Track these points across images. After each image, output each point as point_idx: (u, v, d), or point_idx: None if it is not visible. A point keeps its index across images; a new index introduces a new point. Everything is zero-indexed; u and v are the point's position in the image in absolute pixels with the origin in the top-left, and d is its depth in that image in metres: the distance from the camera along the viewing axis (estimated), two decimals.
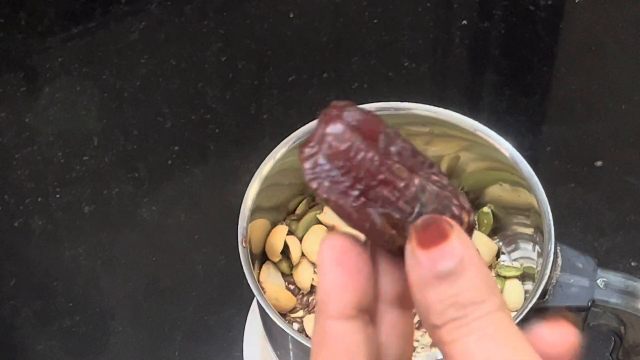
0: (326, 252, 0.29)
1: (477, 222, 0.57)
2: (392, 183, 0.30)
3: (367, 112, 0.30)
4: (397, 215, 0.29)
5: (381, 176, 0.30)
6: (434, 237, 0.28)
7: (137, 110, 0.78)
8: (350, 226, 0.30)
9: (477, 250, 0.28)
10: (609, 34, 0.83)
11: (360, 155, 0.30)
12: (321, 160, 0.30)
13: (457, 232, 0.28)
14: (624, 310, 0.49)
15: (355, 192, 0.29)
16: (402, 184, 0.30)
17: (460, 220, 0.30)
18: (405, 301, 0.30)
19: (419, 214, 0.29)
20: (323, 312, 0.29)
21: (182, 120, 0.77)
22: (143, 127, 0.77)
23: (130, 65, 0.81)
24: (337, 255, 0.29)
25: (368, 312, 0.29)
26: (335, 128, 0.30)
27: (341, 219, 0.30)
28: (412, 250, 0.28)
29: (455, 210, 0.30)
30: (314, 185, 0.30)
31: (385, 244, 0.30)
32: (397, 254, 0.30)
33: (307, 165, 0.30)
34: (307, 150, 0.30)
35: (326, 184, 0.30)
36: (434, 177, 0.30)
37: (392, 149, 0.30)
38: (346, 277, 0.29)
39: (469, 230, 0.30)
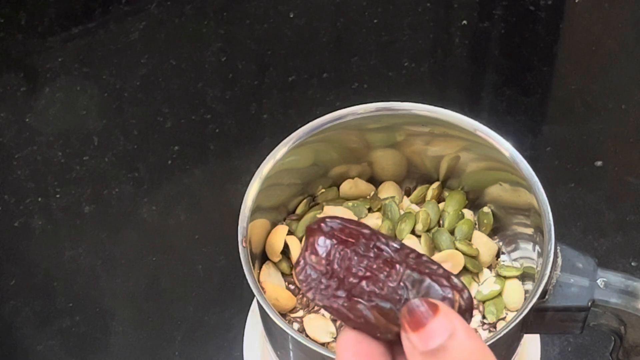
0: (342, 345, 0.31)
1: (477, 222, 0.57)
2: (373, 276, 0.32)
3: (348, 220, 0.33)
4: (386, 305, 0.31)
5: (361, 272, 0.32)
6: (420, 318, 0.30)
7: (137, 110, 0.78)
8: (351, 327, 0.32)
9: (467, 324, 0.30)
10: (609, 34, 0.83)
11: (338, 257, 0.32)
12: (309, 270, 0.33)
13: (443, 310, 0.30)
14: (624, 310, 0.49)
15: (342, 293, 0.32)
16: (382, 275, 0.32)
17: (450, 301, 0.31)
18: None
19: (406, 300, 0.31)
20: None
21: (182, 120, 0.77)
22: (143, 127, 0.77)
23: (130, 65, 0.81)
24: (353, 347, 0.32)
25: None
26: (315, 239, 0.33)
27: (342, 321, 0.32)
28: (406, 335, 0.30)
29: (446, 292, 0.31)
30: (310, 296, 0.33)
31: (384, 335, 0.32)
32: (399, 343, 0.31)
33: (301, 278, 0.33)
34: (298, 265, 0.33)
35: (319, 292, 0.32)
36: (422, 265, 0.32)
37: (373, 247, 0.33)
38: None
39: (465, 307, 0.32)
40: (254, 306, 0.61)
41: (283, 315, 0.53)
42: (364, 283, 0.32)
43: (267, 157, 0.52)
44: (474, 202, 0.57)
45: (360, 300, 0.32)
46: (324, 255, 0.33)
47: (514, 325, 0.46)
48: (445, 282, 0.31)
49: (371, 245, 0.33)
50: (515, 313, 0.49)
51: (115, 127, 0.77)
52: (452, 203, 0.56)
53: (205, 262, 0.69)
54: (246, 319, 0.62)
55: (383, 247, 0.32)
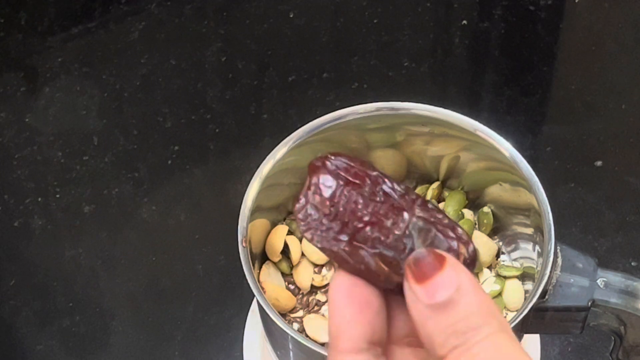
0: (335, 287, 0.30)
1: (477, 222, 0.57)
2: (379, 223, 0.30)
3: (353, 158, 0.31)
4: (389, 254, 0.30)
5: (367, 217, 0.31)
6: (427, 270, 0.29)
7: (137, 110, 0.78)
8: (348, 271, 0.30)
9: (474, 277, 0.29)
10: (609, 34, 0.83)
11: (344, 200, 0.31)
12: (310, 210, 0.31)
13: (450, 263, 0.29)
14: (624, 310, 0.49)
15: (345, 237, 0.31)
16: (389, 222, 0.30)
17: (456, 252, 0.30)
18: (416, 339, 0.30)
19: (412, 250, 0.30)
20: (334, 347, 0.30)
21: (182, 120, 0.77)
22: (143, 127, 0.77)
23: (130, 65, 0.81)
24: (346, 290, 0.30)
25: (380, 345, 0.30)
26: (319, 177, 0.31)
27: (339, 265, 0.31)
28: (409, 286, 0.29)
29: (451, 243, 0.30)
30: (308, 236, 0.31)
31: (385, 284, 0.30)
32: (399, 293, 0.30)
33: (300, 216, 0.31)
34: (298, 203, 0.31)
35: (318, 233, 0.31)
36: (427, 213, 0.31)
37: (379, 190, 0.31)
38: (355, 311, 0.30)
39: (470, 259, 0.30)
40: (254, 306, 0.61)
41: (283, 315, 0.53)
42: (368, 228, 0.30)
43: (267, 157, 0.52)
44: (474, 202, 0.57)
45: (362, 246, 0.30)
46: (328, 195, 0.31)
47: (514, 325, 0.46)
48: (450, 233, 0.30)
49: (377, 189, 0.31)
50: (515, 313, 0.49)
51: (115, 127, 0.77)
52: (452, 203, 0.56)
53: (205, 262, 0.69)
54: (246, 319, 0.62)
55: (389, 191, 0.31)
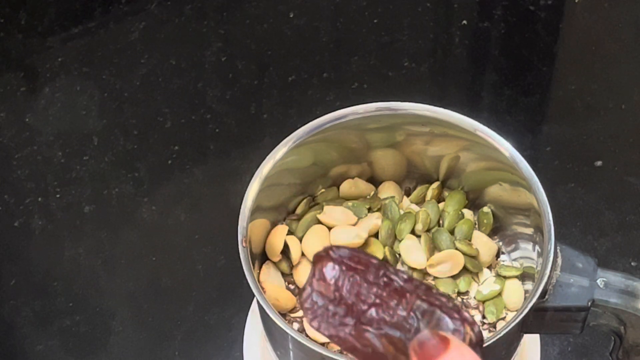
0: None
1: (477, 222, 0.57)
2: (383, 304, 0.31)
3: (355, 249, 0.32)
4: (395, 334, 0.31)
5: (371, 299, 0.31)
6: (431, 352, 0.29)
7: (137, 110, 0.78)
8: (358, 356, 0.31)
9: (480, 358, 0.29)
10: (609, 34, 0.83)
11: (348, 284, 0.32)
12: (315, 298, 0.32)
13: (455, 345, 0.29)
14: (624, 310, 0.49)
15: (351, 320, 0.31)
16: (393, 303, 0.31)
17: (460, 334, 0.30)
18: None
19: (417, 330, 0.30)
20: None
21: (182, 120, 0.77)
22: (143, 127, 0.77)
23: (130, 65, 0.81)
24: None
25: None
26: (323, 265, 0.32)
27: (348, 352, 0.31)
28: None
29: (456, 324, 0.31)
30: (314, 325, 0.32)
31: None
32: None
33: (306, 306, 0.32)
34: (304, 293, 0.32)
35: (325, 321, 0.32)
36: (432, 297, 0.31)
37: (382, 275, 0.32)
38: None
39: (476, 340, 0.31)
40: (254, 306, 0.61)
41: (283, 315, 0.53)
42: (373, 310, 0.31)
43: (267, 157, 0.52)
44: (474, 202, 0.57)
45: (368, 328, 0.31)
46: (332, 281, 0.32)
47: (513, 325, 0.46)
48: (455, 315, 0.31)
49: (381, 274, 0.32)
50: (515, 313, 0.49)
51: (115, 127, 0.77)
52: (452, 203, 0.56)
53: (205, 262, 0.69)
54: (246, 319, 0.62)
55: (392, 276, 0.32)
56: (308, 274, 0.33)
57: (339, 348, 0.47)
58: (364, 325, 0.31)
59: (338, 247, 0.33)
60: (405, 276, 0.32)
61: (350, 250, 0.32)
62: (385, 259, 0.53)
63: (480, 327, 0.31)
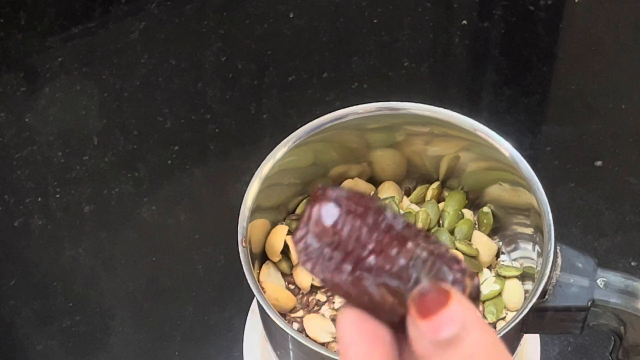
0: (345, 323, 0.29)
1: (477, 222, 0.57)
2: (383, 251, 0.29)
3: (354, 191, 0.30)
4: (394, 283, 0.29)
5: (371, 245, 0.29)
6: (432, 305, 0.28)
7: (137, 110, 0.78)
8: (352, 304, 0.29)
9: (480, 313, 0.28)
10: (609, 34, 0.83)
11: (347, 227, 0.30)
12: (310, 239, 0.30)
13: (456, 298, 0.28)
14: (624, 310, 0.49)
15: (348, 266, 0.29)
16: (394, 251, 0.29)
17: (461, 285, 0.29)
18: None
19: (417, 281, 0.29)
20: None
21: (182, 120, 0.77)
22: (143, 127, 0.77)
23: (130, 65, 0.81)
24: (357, 325, 0.29)
25: None
26: (320, 206, 0.30)
27: (341, 297, 0.29)
28: (413, 321, 0.28)
29: (456, 275, 0.29)
30: (308, 267, 0.29)
31: (389, 316, 0.29)
32: (402, 329, 0.29)
33: (299, 247, 0.30)
34: (298, 233, 0.30)
35: (319, 263, 0.29)
36: (431, 246, 0.30)
37: (382, 220, 0.30)
38: (368, 346, 0.28)
39: (475, 294, 0.29)
40: (254, 306, 0.61)
41: (283, 315, 0.53)
42: (372, 257, 0.29)
43: (267, 157, 0.52)
44: (474, 202, 0.57)
45: (366, 275, 0.29)
46: (331, 223, 0.30)
47: (514, 325, 0.46)
48: (455, 266, 0.29)
49: (380, 219, 0.30)
50: (515, 313, 0.49)
51: (115, 127, 0.77)
52: (452, 203, 0.56)
53: (205, 262, 0.69)
54: (246, 319, 0.62)
55: (392, 221, 0.30)
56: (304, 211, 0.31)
57: (337, 349, 0.47)
58: (362, 272, 0.29)
59: (336, 185, 0.31)
60: (404, 221, 0.30)
61: (348, 191, 0.30)
62: None
63: (479, 280, 0.30)
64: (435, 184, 0.57)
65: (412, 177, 0.58)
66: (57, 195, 0.73)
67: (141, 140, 0.76)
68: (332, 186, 0.30)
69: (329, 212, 0.30)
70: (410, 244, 0.29)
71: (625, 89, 0.79)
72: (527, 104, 0.78)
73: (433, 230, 0.55)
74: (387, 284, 0.29)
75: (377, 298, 0.29)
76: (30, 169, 0.75)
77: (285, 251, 0.55)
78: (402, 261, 0.29)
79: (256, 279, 0.48)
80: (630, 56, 0.81)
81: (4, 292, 0.69)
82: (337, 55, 0.83)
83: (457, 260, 0.29)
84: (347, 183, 0.57)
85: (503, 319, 0.53)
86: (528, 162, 0.51)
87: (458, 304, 0.27)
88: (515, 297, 0.53)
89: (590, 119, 0.77)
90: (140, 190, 0.73)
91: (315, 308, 0.54)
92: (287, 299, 0.53)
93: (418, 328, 0.27)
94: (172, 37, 0.83)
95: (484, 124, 0.52)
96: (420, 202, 0.57)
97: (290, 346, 0.49)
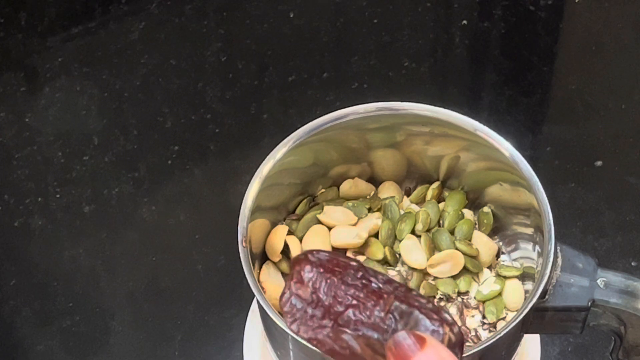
0: None
1: (477, 222, 0.57)
2: (361, 304, 0.31)
3: (334, 253, 0.33)
4: (373, 335, 0.30)
5: (348, 300, 0.31)
6: (407, 352, 0.29)
7: (137, 110, 0.78)
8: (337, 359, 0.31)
9: (456, 358, 0.29)
10: (609, 34, 0.83)
11: (325, 286, 0.32)
12: (294, 301, 0.32)
13: (431, 344, 0.29)
14: (624, 310, 0.49)
15: (328, 322, 0.31)
16: (370, 304, 0.31)
17: (439, 334, 0.30)
18: None
19: (395, 331, 0.30)
20: None
21: (182, 120, 0.77)
22: (143, 127, 0.77)
23: (130, 65, 0.81)
24: None
25: None
26: (301, 268, 0.32)
27: (327, 354, 0.31)
28: None
29: (435, 325, 0.30)
30: (294, 328, 0.32)
31: None
32: None
33: (286, 309, 0.32)
34: (283, 297, 0.32)
35: (303, 324, 0.32)
36: (411, 298, 0.31)
37: (361, 277, 0.32)
38: None
39: (456, 342, 0.30)
40: (254, 306, 0.61)
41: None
42: (350, 311, 0.31)
43: (267, 157, 0.52)
44: (474, 202, 0.57)
45: (346, 329, 0.31)
46: (309, 283, 0.32)
47: (514, 325, 0.46)
48: (434, 316, 0.30)
49: (359, 276, 0.32)
50: (515, 313, 0.49)
51: (115, 127, 0.77)
52: (452, 203, 0.56)
53: (205, 262, 0.69)
54: (246, 319, 0.62)
55: (371, 278, 0.32)
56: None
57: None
58: (342, 326, 0.31)
59: (317, 250, 0.33)
60: (384, 278, 0.31)
61: (329, 254, 0.32)
62: (385, 259, 0.53)
63: (460, 328, 0.31)
64: (436, 184, 0.57)
65: (412, 177, 0.58)
66: (57, 195, 0.73)
67: (141, 140, 0.76)
68: (314, 250, 0.32)
69: (308, 273, 0.32)
70: (387, 297, 0.31)
71: (625, 89, 0.79)
72: (527, 104, 0.78)
73: (433, 230, 0.55)
74: (365, 335, 0.30)
75: (357, 350, 0.30)
76: (30, 169, 0.75)
77: (285, 251, 0.55)
78: (379, 313, 0.31)
79: (256, 279, 0.48)
80: (630, 56, 0.81)
81: (4, 292, 0.69)
82: (337, 55, 0.83)
83: (436, 311, 0.31)
84: (347, 183, 0.57)
85: (503, 319, 0.53)
86: (528, 162, 0.51)
87: (432, 350, 0.29)
88: (516, 297, 0.53)
89: (590, 119, 0.77)
90: (140, 190, 0.73)
91: None
92: None
93: None
94: (172, 37, 0.83)
95: (484, 124, 0.52)
96: (421, 202, 0.57)
97: (290, 346, 0.49)
